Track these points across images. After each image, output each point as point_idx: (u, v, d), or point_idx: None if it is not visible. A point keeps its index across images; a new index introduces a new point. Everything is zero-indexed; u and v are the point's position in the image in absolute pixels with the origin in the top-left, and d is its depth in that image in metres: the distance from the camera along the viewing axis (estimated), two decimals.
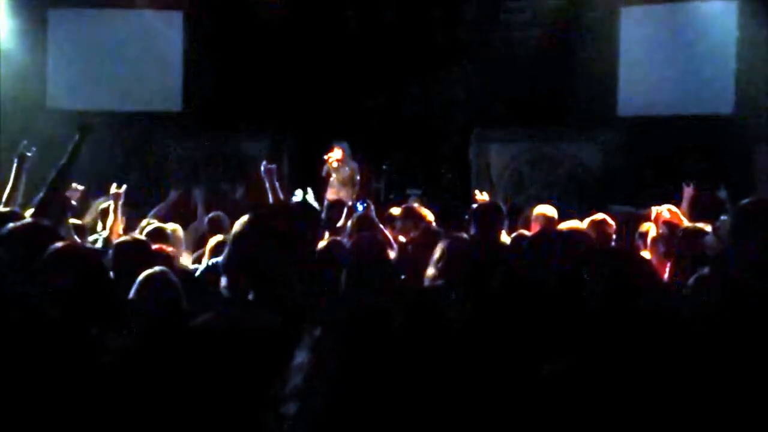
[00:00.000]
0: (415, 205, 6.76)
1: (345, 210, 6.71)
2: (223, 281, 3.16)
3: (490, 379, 2.68)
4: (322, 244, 4.94)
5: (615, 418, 2.54)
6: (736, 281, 2.82)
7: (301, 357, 2.10)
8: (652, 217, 5.87)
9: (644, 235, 5.94)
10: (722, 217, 5.73)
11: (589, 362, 2.63)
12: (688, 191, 7.21)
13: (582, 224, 5.92)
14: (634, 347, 2.62)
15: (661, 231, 5.68)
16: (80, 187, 7.10)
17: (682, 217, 6.04)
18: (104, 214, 6.52)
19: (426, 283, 4.15)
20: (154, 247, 4.75)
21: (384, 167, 12.90)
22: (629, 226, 6.32)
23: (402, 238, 6.00)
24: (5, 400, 2.66)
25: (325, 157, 11.40)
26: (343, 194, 10.66)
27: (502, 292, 3.20)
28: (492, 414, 2.57)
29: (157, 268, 3.98)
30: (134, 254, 4.29)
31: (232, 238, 3.06)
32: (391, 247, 5.62)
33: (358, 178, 11.53)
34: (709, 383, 2.54)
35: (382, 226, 6.11)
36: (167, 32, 12.13)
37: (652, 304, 2.88)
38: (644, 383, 2.53)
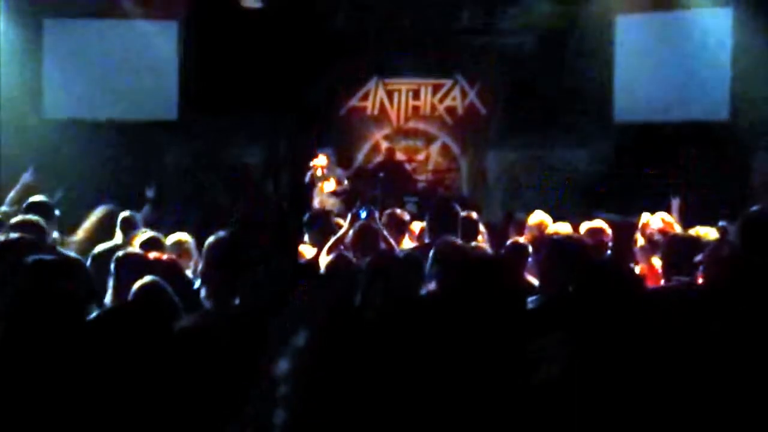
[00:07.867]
0: (398, 211, 6.71)
1: (329, 219, 6.63)
2: (203, 291, 3.12)
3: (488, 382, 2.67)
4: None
5: (621, 413, 2.53)
6: (746, 258, 2.80)
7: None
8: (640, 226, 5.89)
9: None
10: (720, 223, 5.75)
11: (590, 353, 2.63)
12: (675, 203, 7.24)
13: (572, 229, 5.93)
14: (638, 332, 2.60)
15: (655, 239, 5.69)
16: None
17: (676, 225, 6.05)
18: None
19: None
20: (153, 255, 4.65)
21: (380, 174, 12.89)
22: (624, 234, 6.31)
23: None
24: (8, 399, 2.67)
25: (311, 164, 11.36)
26: (332, 203, 10.61)
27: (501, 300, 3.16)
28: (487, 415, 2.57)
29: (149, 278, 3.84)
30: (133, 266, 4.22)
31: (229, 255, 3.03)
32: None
33: (346, 183, 11.46)
34: (718, 361, 2.57)
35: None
36: (163, 42, 12.15)
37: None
38: (650, 373, 2.55)
